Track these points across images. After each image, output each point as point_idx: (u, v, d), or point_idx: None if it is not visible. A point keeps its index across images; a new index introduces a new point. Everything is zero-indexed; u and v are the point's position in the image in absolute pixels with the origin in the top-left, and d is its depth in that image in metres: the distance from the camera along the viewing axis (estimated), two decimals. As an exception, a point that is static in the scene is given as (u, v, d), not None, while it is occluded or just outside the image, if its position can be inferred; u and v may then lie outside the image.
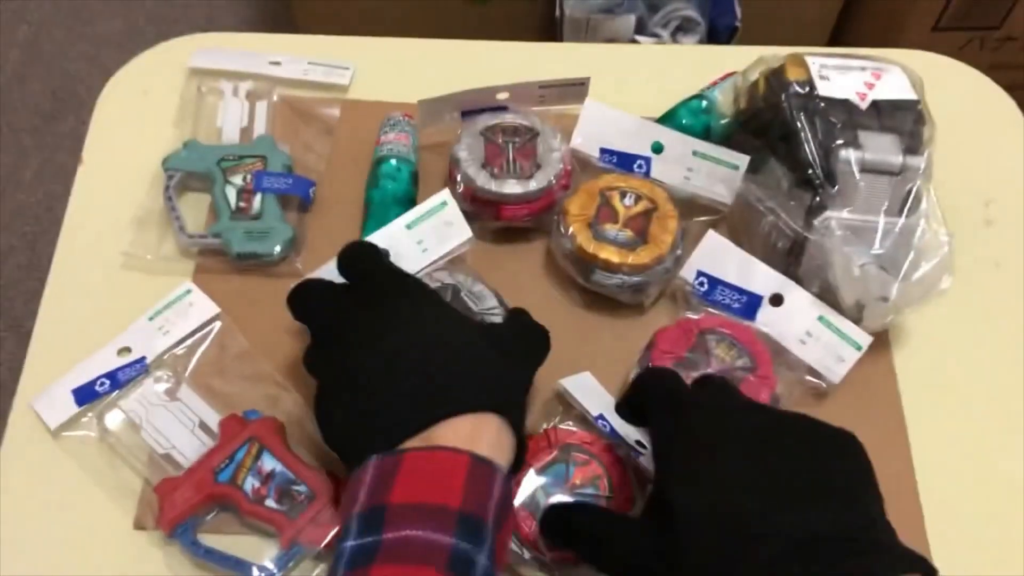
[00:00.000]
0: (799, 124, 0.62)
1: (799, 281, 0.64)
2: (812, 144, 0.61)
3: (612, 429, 0.58)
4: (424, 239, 0.64)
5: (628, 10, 1.27)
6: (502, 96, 0.71)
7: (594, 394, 0.61)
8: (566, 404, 0.61)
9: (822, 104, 0.62)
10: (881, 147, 0.61)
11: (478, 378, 0.50)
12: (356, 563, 0.42)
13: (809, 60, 0.65)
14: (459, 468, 0.45)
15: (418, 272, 0.63)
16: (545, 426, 0.59)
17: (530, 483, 0.56)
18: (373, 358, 0.50)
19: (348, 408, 0.50)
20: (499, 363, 0.52)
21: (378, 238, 0.63)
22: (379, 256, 0.59)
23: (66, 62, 1.69)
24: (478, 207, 0.68)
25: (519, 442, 0.51)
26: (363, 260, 0.58)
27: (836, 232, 0.61)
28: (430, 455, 0.46)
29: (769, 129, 0.65)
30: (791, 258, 0.64)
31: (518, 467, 0.53)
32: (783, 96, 0.63)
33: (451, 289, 0.62)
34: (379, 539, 0.42)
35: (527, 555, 0.55)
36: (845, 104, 0.62)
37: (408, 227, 0.64)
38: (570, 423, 0.59)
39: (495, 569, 0.44)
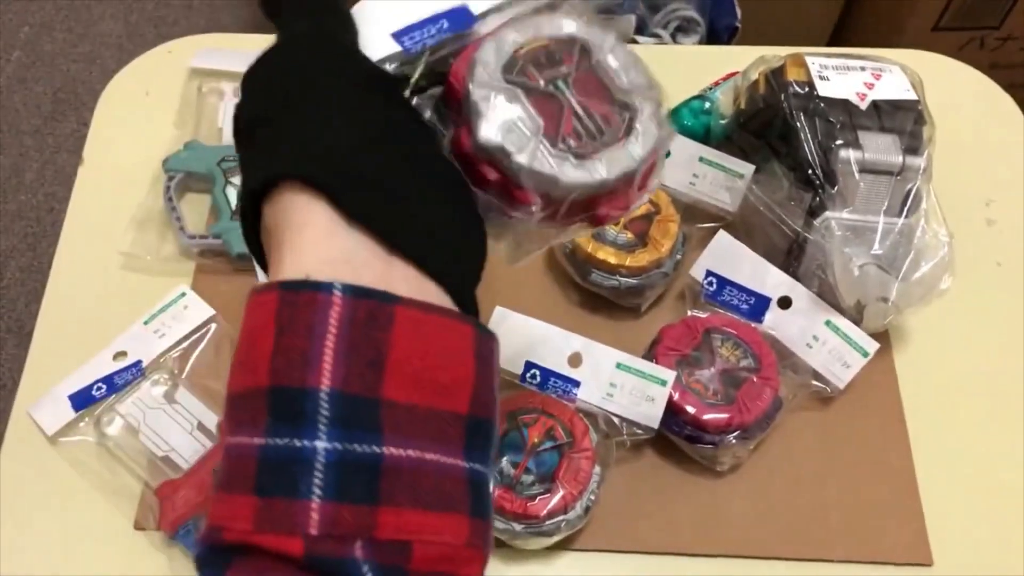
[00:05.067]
0: (799, 124, 0.62)
1: (799, 280, 0.64)
2: (812, 144, 0.61)
3: (541, 377, 0.59)
4: None
5: (628, 10, 1.27)
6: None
7: (509, 353, 0.61)
8: None
9: (822, 104, 0.62)
10: (881, 147, 0.61)
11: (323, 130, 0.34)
12: (350, 487, 0.29)
13: (809, 60, 0.65)
14: (466, 344, 0.31)
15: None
16: None
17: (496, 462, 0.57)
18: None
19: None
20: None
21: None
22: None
23: (67, 63, 1.69)
24: (552, 210, 0.38)
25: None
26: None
27: (836, 232, 0.61)
28: (427, 319, 0.31)
29: (769, 129, 0.65)
30: (791, 258, 0.64)
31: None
32: (783, 96, 0.63)
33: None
34: (378, 453, 0.29)
35: (518, 527, 0.56)
36: (845, 104, 0.62)
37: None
38: (504, 392, 0.60)
39: (378, 438, 0.30)
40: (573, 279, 0.67)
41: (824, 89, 0.63)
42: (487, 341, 0.33)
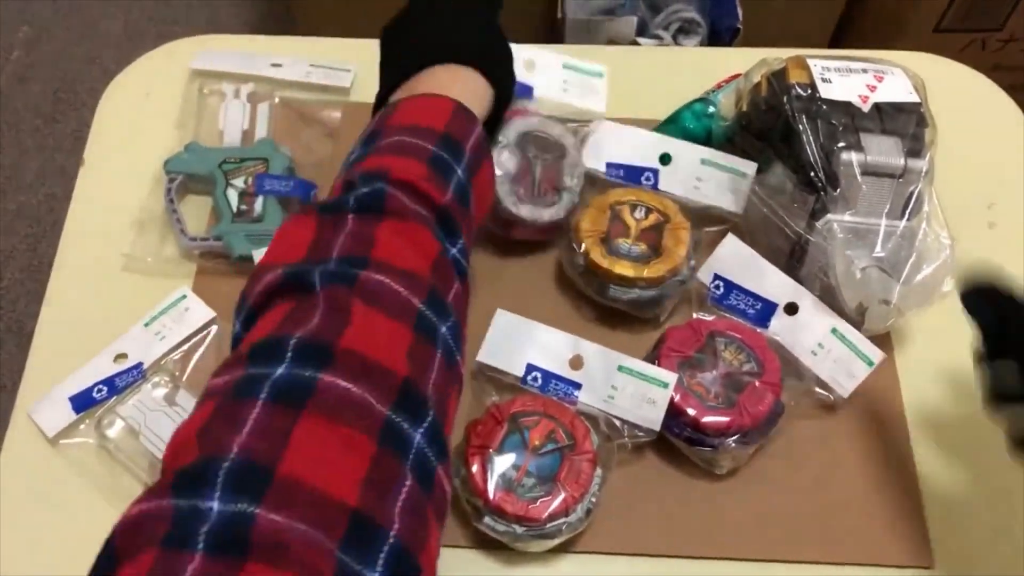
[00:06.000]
0: (801, 126, 0.62)
1: (802, 283, 0.64)
2: (814, 146, 0.61)
3: (542, 379, 0.60)
4: None
5: (629, 12, 1.27)
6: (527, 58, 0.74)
7: (510, 355, 0.61)
8: (492, 380, 0.61)
9: (824, 107, 0.62)
10: (883, 150, 0.61)
11: (453, 34, 0.59)
12: (355, 154, 0.52)
13: (811, 62, 0.65)
14: (446, 108, 0.53)
15: None
16: (487, 403, 0.60)
17: (497, 465, 0.57)
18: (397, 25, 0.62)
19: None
20: (475, 20, 0.61)
21: None
22: None
23: (67, 63, 1.69)
24: (492, 221, 0.68)
25: (502, 96, 0.60)
26: None
27: (838, 235, 0.61)
28: (423, 99, 0.54)
29: (771, 132, 0.65)
30: (794, 260, 0.64)
31: (497, 119, 0.62)
32: (785, 99, 0.63)
33: None
34: (378, 140, 0.51)
35: (519, 530, 0.56)
36: (847, 107, 0.62)
37: None
38: (506, 395, 0.60)
39: (471, 204, 0.52)
40: (588, 295, 0.66)
41: (826, 91, 0.63)
42: (463, 111, 0.55)
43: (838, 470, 0.62)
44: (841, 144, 0.61)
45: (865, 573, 0.58)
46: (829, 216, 0.61)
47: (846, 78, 0.64)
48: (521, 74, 0.71)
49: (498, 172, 0.66)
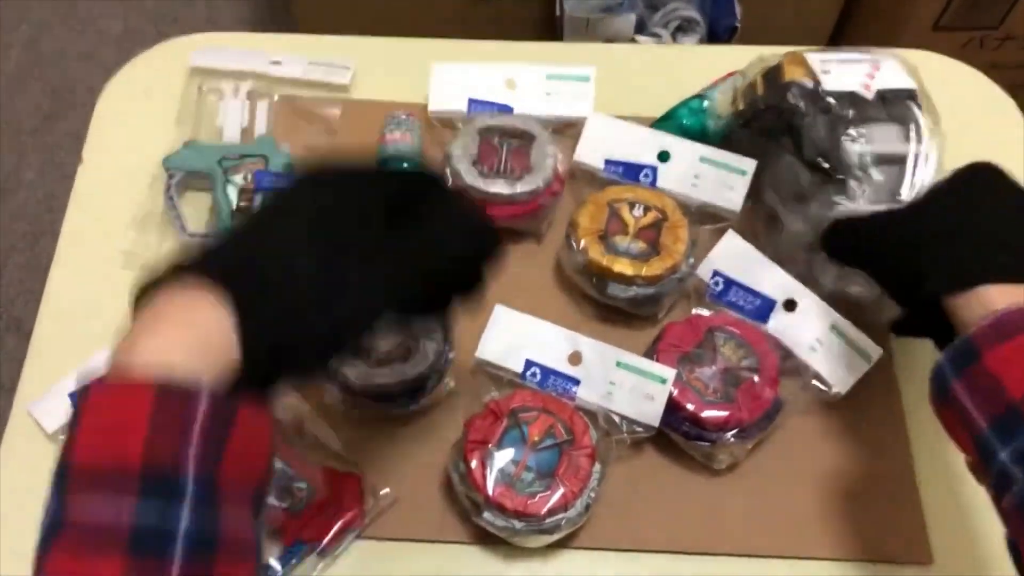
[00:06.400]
0: (808, 120, 0.61)
1: (816, 273, 0.63)
2: (821, 138, 0.61)
3: (542, 374, 0.60)
4: None
5: (628, 9, 1.27)
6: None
7: (509, 351, 0.61)
8: (491, 375, 0.61)
9: (829, 98, 0.61)
10: (890, 137, 0.61)
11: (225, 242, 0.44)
12: (48, 518, 0.38)
13: (809, 57, 0.64)
14: (141, 405, 0.37)
15: None
16: (486, 399, 0.60)
17: (496, 460, 0.57)
18: None
19: None
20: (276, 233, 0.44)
21: None
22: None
23: (66, 61, 1.69)
24: None
25: (271, 334, 0.41)
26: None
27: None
28: (114, 391, 0.38)
29: (774, 128, 0.65)
30: (812, 252, 0.64)
31: (289, 367, 0.42)
32: (789, 94, 0.63)
33: None
34: (65, 501, 0.38)
35: (518, 525, 0.56)
36: (852, 96, 0.62)
37: None
38: (505, 391, 0.60)
39: (217, 513, 0.37)
40: (586, 293, 0.66)
41: (829, 83, 0.62)
42: (171, 397, 0.38)
43: (836, 466, 0.62)
44: (849, 132, 0.60)
45: (864, 569, 0.59)
46: (841, 208, 0.60)
47: (846, 68, 0.63)
48: (501, 93, 0.73)
49: (457, 152, 0.67)
